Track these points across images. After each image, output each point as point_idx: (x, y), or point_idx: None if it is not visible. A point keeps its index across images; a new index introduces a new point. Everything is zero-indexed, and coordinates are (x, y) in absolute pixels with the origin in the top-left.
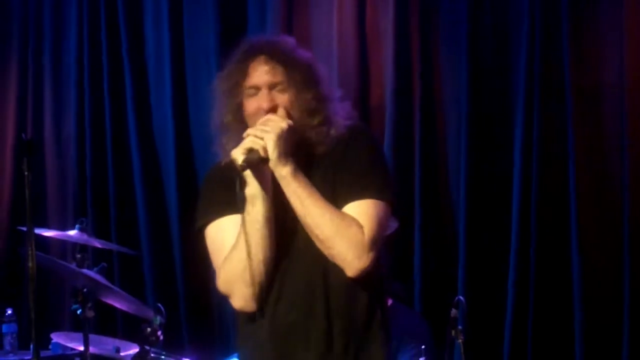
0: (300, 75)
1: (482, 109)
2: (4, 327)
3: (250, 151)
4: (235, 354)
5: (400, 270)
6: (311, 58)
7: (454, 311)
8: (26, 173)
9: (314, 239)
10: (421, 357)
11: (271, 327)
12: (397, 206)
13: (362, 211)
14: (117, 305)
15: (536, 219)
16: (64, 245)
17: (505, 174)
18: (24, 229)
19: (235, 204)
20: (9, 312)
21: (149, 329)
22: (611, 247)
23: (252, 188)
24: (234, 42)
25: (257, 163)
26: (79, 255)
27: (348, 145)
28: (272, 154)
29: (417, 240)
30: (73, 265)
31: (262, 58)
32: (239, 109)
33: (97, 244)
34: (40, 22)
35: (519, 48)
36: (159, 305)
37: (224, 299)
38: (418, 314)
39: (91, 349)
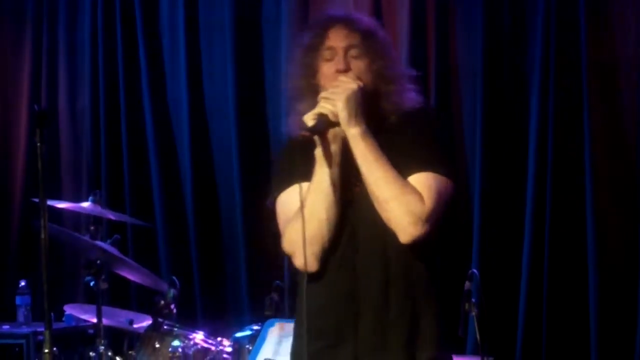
0: (376, 45)
1: (498, 81)
2: (18, 299)
3: (320, 116)
4: (248, 327)
5: None
6: (389, 37)
7: (467, 284)
8: (38, 144)
9: (373, 200)
10: None
11: (331, 294)
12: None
13: (425, 183)
14: (131, 277)
15: (551, 192)
16: (77, 217)
17: (520, 146)
18: (37, 200)
19: (307, 173)
20: (23, 284)
21: (162, 302)
22: (627, 219)
23: (322, 151)
24: (249, 14)
25: (326, 128)
26: (92, 227)
27: (417, 120)
28: (342, 112)
29: None
30: (86, 237)
31: (341, 24)
32: (314, 74)
33: (111, 216)
34: None
35: (535, 19)
36: (173, 277)
37: (237, 273)
38: None
39: (104, 321)
